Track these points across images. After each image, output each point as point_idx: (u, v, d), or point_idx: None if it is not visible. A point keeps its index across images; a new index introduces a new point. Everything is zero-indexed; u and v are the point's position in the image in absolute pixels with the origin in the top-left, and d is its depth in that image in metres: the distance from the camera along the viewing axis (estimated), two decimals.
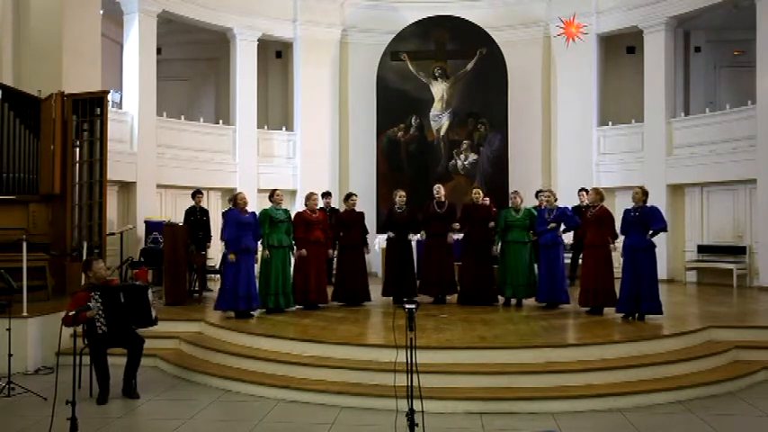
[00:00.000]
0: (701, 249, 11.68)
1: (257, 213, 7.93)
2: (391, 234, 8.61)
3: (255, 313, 7.66)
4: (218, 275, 10.26)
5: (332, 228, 8.78)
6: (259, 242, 7.85)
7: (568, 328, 7.00)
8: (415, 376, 4.04)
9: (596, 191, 7.91)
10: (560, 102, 13.29)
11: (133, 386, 5.68)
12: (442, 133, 13.08)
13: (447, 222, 8.57)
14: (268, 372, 5.94)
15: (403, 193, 8.73)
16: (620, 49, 13.40)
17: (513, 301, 8.49)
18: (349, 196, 8.79)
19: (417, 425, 4.06)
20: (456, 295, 8.70)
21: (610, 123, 12.95)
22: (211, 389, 5.91)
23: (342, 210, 9.52)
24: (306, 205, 8.38)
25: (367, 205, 10.88)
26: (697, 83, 12.97)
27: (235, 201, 7.76)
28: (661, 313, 7.19)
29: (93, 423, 4.91)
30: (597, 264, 7.61)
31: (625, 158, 12.61)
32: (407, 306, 4.15)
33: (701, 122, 11.73)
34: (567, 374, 5.56)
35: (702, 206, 11.88)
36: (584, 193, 10.20)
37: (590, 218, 7.75)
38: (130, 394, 5.62)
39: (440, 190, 8.75)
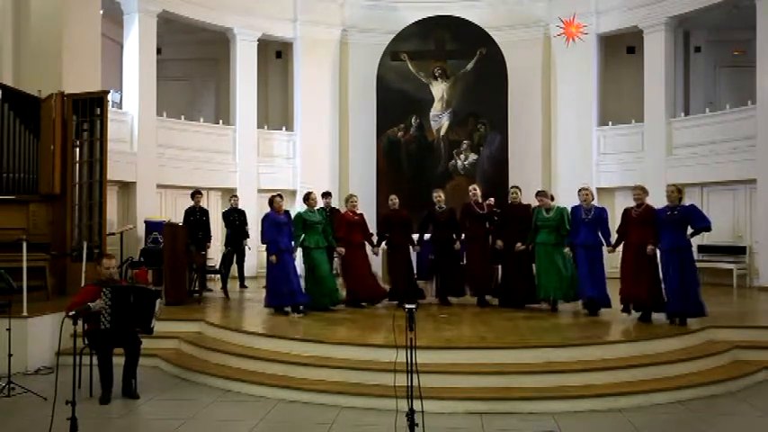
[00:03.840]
0: (701, 249, 11.65)
1: (292, 215, 8.25)
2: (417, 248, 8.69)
3: (302, 309, 7.75)
4: (218, 275, 10.30)
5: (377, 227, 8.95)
6: (292, 243, 8.04)
7: (568, 328, 6.99)
8: (415, 376, 4.04)
9: (642, 188, 7.39)
10: (560, 102, 13.29)
11: (133, 386, 5.68)
12: (442, 133, 13.08)
13: (487, 222, 8.51)
14: (268, 372, 5.93)
15: (441, 193, 8.69)
16: (620, 49, 13.40)
17: (560, 302, 8.16)
18: (389, 199, 8.83)
19: (417, 425, 4.07)
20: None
21: (610, 123, 12.95)
22: (211, 389, 5.90)
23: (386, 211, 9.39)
24: (346, 206, 8.58)
25: (367, 205, 10.88)
26: (697, 83, 12.98)
27: (271, 204, 7.98)
28: (705, 314, 6.85)
29: (94, 423, 4.91)
30: (649, 265, 7.09)
31: (625, 158, 12.61)
32: (407, 306, 4.16)
33: (701, 122, 11.74)
34: (567, 374, 5.56)
35: (702, 206, 11.83)
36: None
37: (636, 217, 7.23)
38: (130, 394, 5.62)
39: (476, 190, 8.59)
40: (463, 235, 8.53)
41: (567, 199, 10.43)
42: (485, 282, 8.49)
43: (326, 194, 10.62)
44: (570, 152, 13.13)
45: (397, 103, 13.02)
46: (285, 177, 13.41)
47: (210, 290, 10.15)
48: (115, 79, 11.90)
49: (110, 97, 9.65)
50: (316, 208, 8.34)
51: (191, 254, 9.03)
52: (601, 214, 7.73)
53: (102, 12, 10.42)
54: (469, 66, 12.99)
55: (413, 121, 13.07)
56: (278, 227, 7.82)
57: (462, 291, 8.59)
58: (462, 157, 13.00)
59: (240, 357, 6.24)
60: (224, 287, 9.85)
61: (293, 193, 13.35)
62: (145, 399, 5.60)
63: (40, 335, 6.77)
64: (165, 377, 6.41)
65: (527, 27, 13.59)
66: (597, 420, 5.01)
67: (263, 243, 8.19)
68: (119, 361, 5.67)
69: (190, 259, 9.00)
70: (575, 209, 7.91)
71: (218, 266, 10.26)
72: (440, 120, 13.11)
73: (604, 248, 7.70)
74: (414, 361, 4.02)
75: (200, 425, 4.99)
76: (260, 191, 12.83)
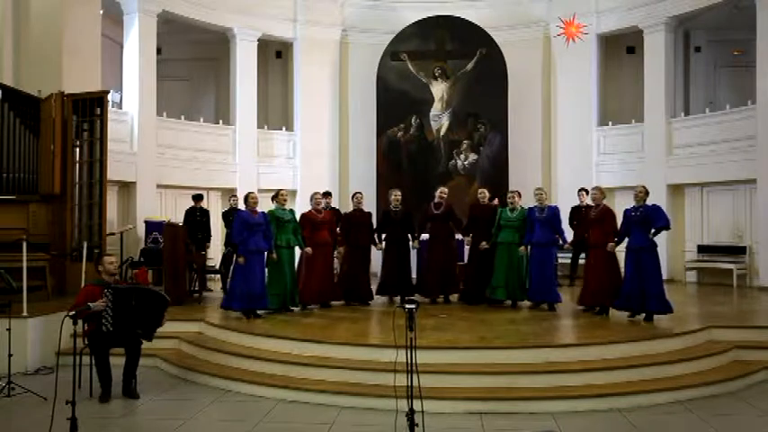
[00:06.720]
0: (701, 249, 11.67)
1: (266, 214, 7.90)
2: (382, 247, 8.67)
3: (262, 313, 7.60)
4: (218, 275, 10.30)
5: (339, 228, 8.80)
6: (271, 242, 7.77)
7: (568, 328, 7.00)
8: (415, 376, 4.03)
9: (600, 189, 7.85)
10: (560, 102, 13.29)
11: (133, 386, 5.68)
12: (442, 133, 13.08)
13: (443, 223, 8.64)
14: (268, 372, 5.93)
15: (398, 193, 8.75)
16: (620, 49, 13.39)
17: (508, 302, 8.39)
18: (354, 196, 8.85)
19: (417, 425, 4.06)
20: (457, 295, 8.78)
21: (610, 123, 12.95)
22: (211, 389, 5.90)
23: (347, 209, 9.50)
24: (310, 205, 8.44)
25: (367, 206, 10.84)
26: (697, 83, 12.97)
27: (246, 200, 7.76)
28: (671, 311, 7.07)
29: (94, 423, 4.91)
30: (604, 263, 7.47)
31: (625, 158, 12.61)
32: (407, 306, 4.15)
33: (701, 122, 11.73)
34: (567, 374, 5.56)
35: (702, 206, 11.88)
36: (584, 193, 10.18)
37: (593, 217, 7.67)
38: (130, 394, 5.62)
39: (443, 194, 8.75)
40: (426, 235, 8.73)
41: (566, 199, 10.46)
42: (445, 280, 8.61)
43: (327, 194, 10.63)
44: (570, 152, 13.12)
45: (397, 103, 13.02)
46: (285, 177, 13.40)
47: (210, 290, 10.15)
48: (115, 79, 11.89)
49: (110, 97, 9.66)
50: (286, 207, 8.08)
51: (191, 254, 9.03)
52: (554, 212, 8.06)
53: (102, 12, 10.42)
54: (469, 66, 12.99)
55: (413, 121, 13.07)
56: (247, 227, 7.44)
57: (411, 292, 8.61)
58: (462, 157, 13.00)
59: (240, 357, 6.24)
60: (224, 287, 9.84)
61: (293, 192, 13.33)
62: (145, 399, 5.60)
63: (40, 335, 6.77)
64: (165, 377, 6.41)
65: (527, 27, 13.58)
66: (597, 420, 5.01)
67: (232, 242, 7.63)
68: (119, 361, 5.68)
69: (190, 259, 9.00)
70: (531, 209, 8.22)
71: (218, 266, 10.26)
72: (440, 120, 13.11)
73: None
74: (414, 361, 4.02)
75: (200, 425, 4.99)
76: (260, 191, 12.74)
